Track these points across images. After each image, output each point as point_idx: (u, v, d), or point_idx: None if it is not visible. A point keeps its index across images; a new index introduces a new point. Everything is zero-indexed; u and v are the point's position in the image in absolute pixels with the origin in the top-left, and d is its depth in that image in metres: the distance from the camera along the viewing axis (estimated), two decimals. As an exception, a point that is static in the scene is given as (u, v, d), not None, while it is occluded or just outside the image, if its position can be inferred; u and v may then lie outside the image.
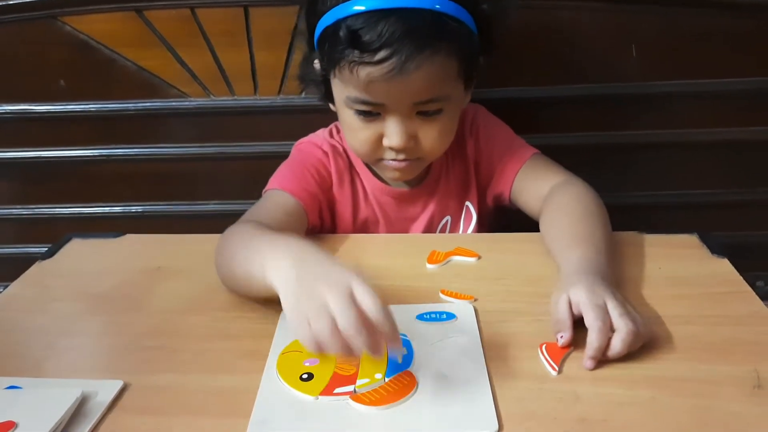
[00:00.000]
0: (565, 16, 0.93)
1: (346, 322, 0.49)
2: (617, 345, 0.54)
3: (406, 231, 0.87)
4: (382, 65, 0.67)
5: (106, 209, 1.08)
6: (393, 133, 0.73)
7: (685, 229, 0.77)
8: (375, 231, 0.86)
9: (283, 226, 0.71)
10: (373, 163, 0.80)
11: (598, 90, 0.97)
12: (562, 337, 0.56)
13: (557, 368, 0.54)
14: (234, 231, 0.68)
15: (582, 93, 0.97)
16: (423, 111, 0.73)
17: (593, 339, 0.54)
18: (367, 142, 0.76)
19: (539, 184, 0.81)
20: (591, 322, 0.55)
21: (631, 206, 1.01)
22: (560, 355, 0.55)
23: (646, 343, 0.56)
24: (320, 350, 0.50)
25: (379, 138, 0.75)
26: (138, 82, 0.97)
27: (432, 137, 0.75)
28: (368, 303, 0.50)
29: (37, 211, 1.08)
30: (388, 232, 0.86)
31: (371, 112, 0.73)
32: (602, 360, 0.54)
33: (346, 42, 0.68)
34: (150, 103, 0.99)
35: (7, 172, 1.06)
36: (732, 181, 1.02)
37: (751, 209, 1.03)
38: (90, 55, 0.96)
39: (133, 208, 1.08)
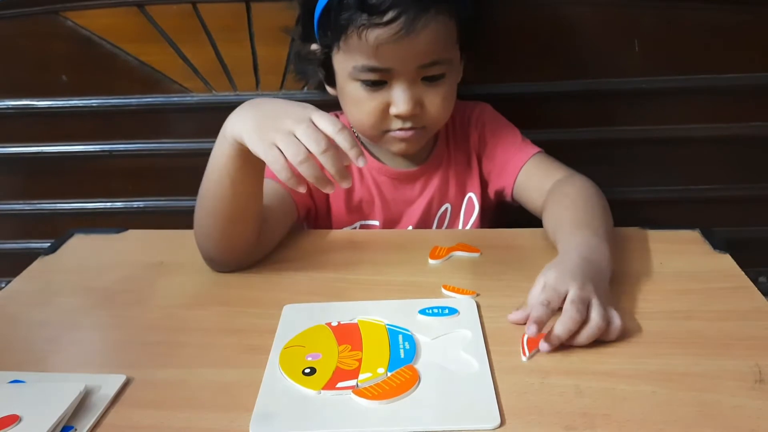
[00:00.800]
0: (566, 11, 0.93)
1: (315, 144, 0.57)
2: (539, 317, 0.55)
3: (402, 214, 0.86)
4: (391, 26, 0.70)
5: (108, 204, 1.08)
6: (400, 100, 0.75)
7: (687, 225, 0.77)
8: (371, 212, 0.86)
9: (268, 212, 0.72)
10: (379, 136, 0.80)
11: (599, 85, 0.97)
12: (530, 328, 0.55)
13: (528, 354, 0.55)
14: None
15: (583, 88, 0.97)
16: (427, 76, 0.75)
17: (531, 313, 0.56)
18: (374, 113, 0.77)
19: (542, 181, 0.81)
20: (533, 299, 0.58)
21: (632, 202, 1.01)
22: (535, 344, 0.55)
23: (647, 340, 0.57)
24: (292, 177, 0.58)
25: (386, 108, 0.76)
26: (140, 78, 0.97)
27: (437, 103, 0.77)
28: (329, 127, 0.58)
29: (39, 206, 1.08)
30: (385, 214, 0.86)
31: (378, 81, 0.75)
32: (567, 344, 0.55)
33: (354, 6, 0.70)
34: (152, 98, 0.99)
35: (9, 167, 1.06)
36: (734, 177, 1.01)
37: (753, 205, 1.03)
38: (92, 51, 0.96)
39: (135, 204, 1.07)
